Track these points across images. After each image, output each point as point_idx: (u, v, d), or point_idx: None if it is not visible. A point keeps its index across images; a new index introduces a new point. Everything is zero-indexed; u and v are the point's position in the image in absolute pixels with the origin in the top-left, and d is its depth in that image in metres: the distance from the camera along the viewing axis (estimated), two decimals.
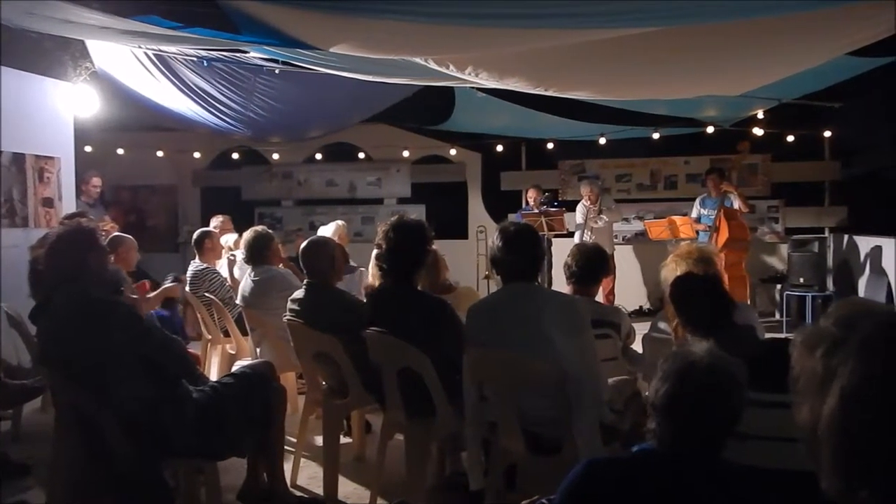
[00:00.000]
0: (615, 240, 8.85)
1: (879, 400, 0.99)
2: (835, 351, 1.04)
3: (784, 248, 9.00)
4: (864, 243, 7.83)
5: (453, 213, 10.41)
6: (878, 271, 7.42)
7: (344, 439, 4.12)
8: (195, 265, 5.74)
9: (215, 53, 5.28)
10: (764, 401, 1.77)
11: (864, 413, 1.00)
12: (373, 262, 3.86)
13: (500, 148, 9.66)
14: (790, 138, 8.70)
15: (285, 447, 3.58)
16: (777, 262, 9.21)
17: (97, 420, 2.65)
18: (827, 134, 8.84)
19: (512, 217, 8.26)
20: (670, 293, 2.63)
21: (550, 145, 9.56)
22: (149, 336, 2.78)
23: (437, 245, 4.46)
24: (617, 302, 8.19)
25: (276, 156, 10.41)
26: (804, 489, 1.28)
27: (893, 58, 5.36)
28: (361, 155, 10.30)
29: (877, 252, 7.49)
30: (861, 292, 7.73)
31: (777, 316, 8.74)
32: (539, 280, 3.15)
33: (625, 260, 9.11)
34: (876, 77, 5.97)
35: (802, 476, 1.21)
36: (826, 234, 9.04)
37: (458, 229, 10.12)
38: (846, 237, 8.44)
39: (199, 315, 5.69)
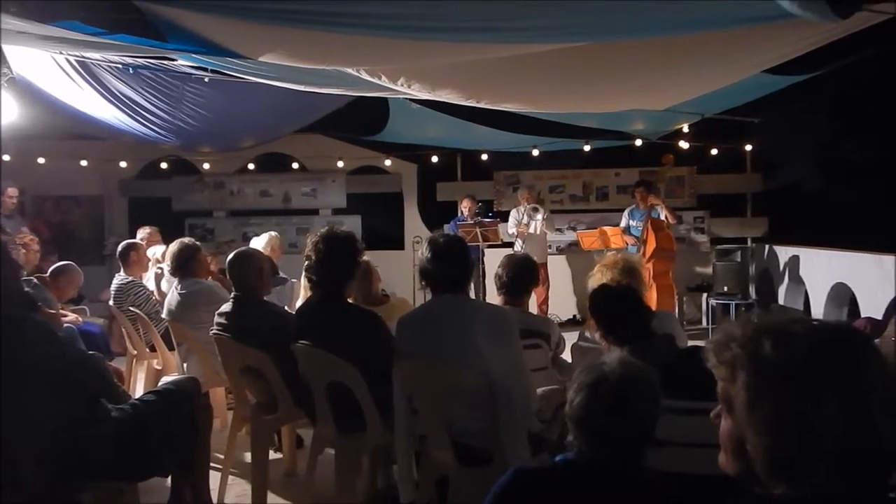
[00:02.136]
0: (549, 250, 8.99)
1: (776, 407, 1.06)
2: (735, 365, 1.11)
3: (710, 258, 9.32)
4: (784, 253, 8.18)
5: (389, 223, 10.39)
6: (797, 280, 7.75)
7: (275, 454, 4.05)
8: (120, 278, 5.57)
9: (141, 60, 5.13)
10: (678, 408, 1.81)
11: (760, 420, 1.06)
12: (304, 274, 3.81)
13: (435, 159, 9.70)
14: (714, 151, 9.02)
15: (212, 464, 3.49)
16: (704, 271, 9.51)
17: (7, 443, 2.53)
18: (748, 147, 9.20)
19: (446, 227, 8.30)
20: (588, 305, 2.68)
21: (485, 156, 9.65)
22: (64, 353, 2.68)
23: (373, 256, 4.45)
24: (550, 311, 8.32)
25: (206, 165, 10.17)
26: (721, 494, 1.33)
27: (808, 75, 5.61)
28: (295, 165, 10.16)
29: (795, 261, 7.83)
30: (781, 300, 8.06)
31: (704, 323, 9.01)
32: (470, 291, 3.17)
33: (558, 270, 9.26)
34: (792, 94, 6.25)
35: (718, 481, 1.25)
36: (749, 244, 9.40)
37: (394, 240, 10.10)
38: (767, 247, 8.80)
39: (124, 330, 5.51)
